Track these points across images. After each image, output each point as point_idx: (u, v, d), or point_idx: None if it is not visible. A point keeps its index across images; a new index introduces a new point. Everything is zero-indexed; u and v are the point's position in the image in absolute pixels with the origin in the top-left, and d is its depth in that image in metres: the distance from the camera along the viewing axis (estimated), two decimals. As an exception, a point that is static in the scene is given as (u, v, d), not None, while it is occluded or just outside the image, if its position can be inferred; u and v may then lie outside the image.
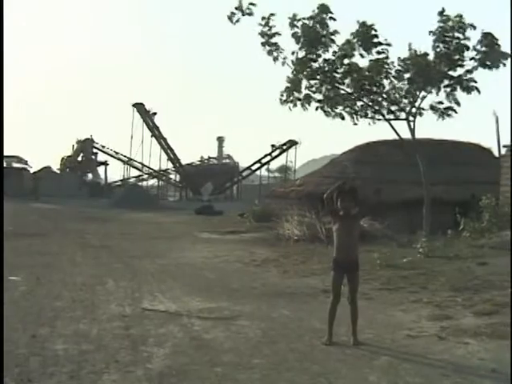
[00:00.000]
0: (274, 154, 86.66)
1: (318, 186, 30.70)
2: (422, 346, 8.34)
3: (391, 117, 23.85)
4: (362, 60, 23.00)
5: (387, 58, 22.90)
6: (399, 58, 22.91)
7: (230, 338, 8.67)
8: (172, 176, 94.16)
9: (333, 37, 22.51)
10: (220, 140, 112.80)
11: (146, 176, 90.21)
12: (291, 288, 13.29)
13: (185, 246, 22.45)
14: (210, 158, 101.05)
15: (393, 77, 23.17)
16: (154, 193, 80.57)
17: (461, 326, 9.31)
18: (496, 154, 40.03)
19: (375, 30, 22.59)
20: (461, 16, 21.99)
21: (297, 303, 11.55)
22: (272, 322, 9.74)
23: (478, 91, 22.69)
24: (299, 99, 23.07)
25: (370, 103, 23.79)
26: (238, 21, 22.08)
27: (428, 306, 10.97)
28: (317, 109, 23.31)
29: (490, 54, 21.88)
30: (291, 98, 23.14)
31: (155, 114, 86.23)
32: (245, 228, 29.23)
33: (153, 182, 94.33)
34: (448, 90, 22.87)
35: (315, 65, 22.91)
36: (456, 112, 23.16)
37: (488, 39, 21.87)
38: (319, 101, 23.27)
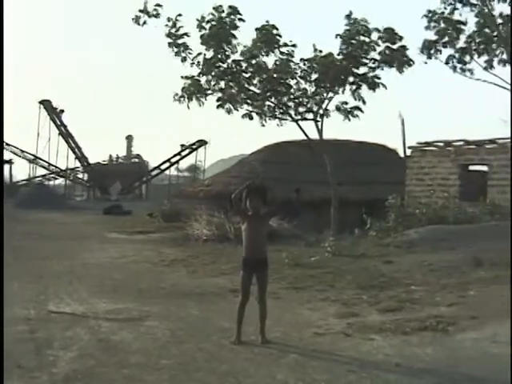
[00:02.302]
0: (183, 154, 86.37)
1: (227, 186, 30.81)
2: (329, 343, 8.46)
3: (299, 118, 24.18)
4: (269, 61, 23.32)
5: (292, 57, 23.21)
6: (302, 59, 23.26)
7: (138, 339, 8.58)
8: (80, 175, 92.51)
9: (239, 39, 22.77)
10: (129, 139, 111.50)
11: (52, 175, 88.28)
12: (200, 288, 13.25)
13: (92, 246, 22.10)
14: (118, 157, 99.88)
15: (299, 77, 23.50)
16: (61, 192, 78.82)
17: (366, 323, 9.50)
18: (401, 154, 41.18)
19: (277, 29, 22.89)
20: (366, 20, 22.53)
21: (205, 303, 11.53)
22: (180, 322, 9.69)
23: (385, 87, 23.28)
24: (194, 93, 23.10)
25: (278, 104, 24.05)
26: (145, 23, 21.97)
27: (335, 304, 11.14)
28: (218, 107, 23.43)
29: (392, 54, 22.51)
30: (186, 94, 23.18)
31: (62, 111, 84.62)
32: (153, 228, 29.03)
33: (60, 181, 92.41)
34: (353, 87, 23.38)
35: (223, 65, 23.01)
36: (362, 111, 23.68)
37: (389, 34, 22.44)
38: (220, 99, 23.39)
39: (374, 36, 22.64)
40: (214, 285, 13.64)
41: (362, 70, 23.31)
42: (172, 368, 7.23)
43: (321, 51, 23.10)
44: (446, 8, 16.86)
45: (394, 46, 22.62)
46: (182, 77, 23.32)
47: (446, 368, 7.26)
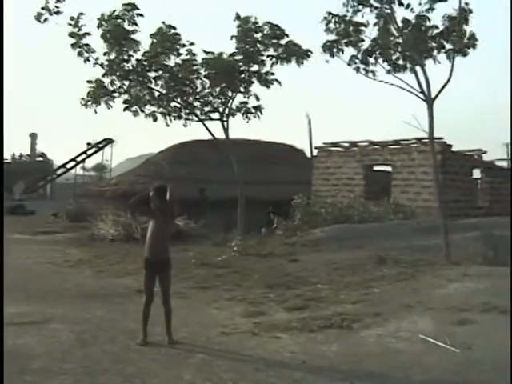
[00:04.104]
0: (89, 152, 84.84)
1: (134, 185, 30.56)
2: (236, 342, 8.49)
3: (205, 117, 24.21)
4: (173, 61, 23.31)
5: (194, 55, 23.25)
6: (204, 58, 23.32)
7: (41, 343, 8.34)
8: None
9: (139, 37, 22.67)
10: (33, 137, 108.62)
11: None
12: (105, 289, 13.05)
13: (-7, 247, 21.44)
14: (22, 155, 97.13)
15: (204, 77, 23.54)
16: (-40, 192, 76.14)
17: (273, 322, 9.59)
18: (308, 154, 41.83)
19: (174, 28, 22.87)
20: (255, 18, 22.88)
21: (111, 304, 11.35)
22: (85, 325, 9.50)
23: (279, 83, 23.61)
24: (100, 96, 22.88)
25: (184, 104, 24.00)
26: (46, 20, 21.55)
27: (242, 303, 11.19)
28: (125, 110, 23.25)
29: (285, 48, 22.91)
30: (92, 99, 22.94)
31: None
32: (58, 228, 28.39)
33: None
34: (245, 85, 23.64)
35: (128, 65, 22.81)
36: (261, 112, 23.93)
37: (274, 30, 22.79)
38: (127, 101, 23.23)
39: (267, 31, 22.99)
40: (120, 285, 13.46)
41: (256, 67, 23.60)
42: (76, 372, 7.08)
43: (213, 53, 23.23)
44: (348, 11, 17.14)
45: (282, 42, 23.03)
46: (87, 81, 23.02)
47: (350, 364, 7.41)
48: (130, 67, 22.89)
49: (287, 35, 23.00)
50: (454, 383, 6.71)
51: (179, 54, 23.16)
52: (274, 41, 22.94)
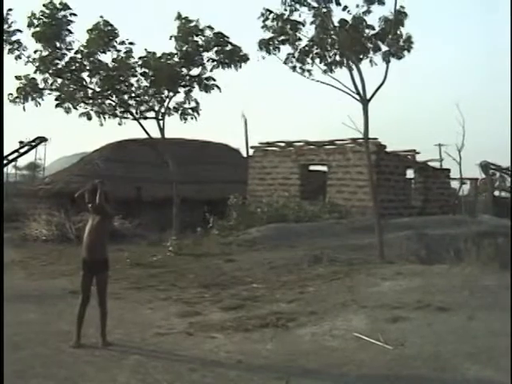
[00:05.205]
0: (21, 151, 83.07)
1: (68, 184, 30.02)
2: (171, 342, 8.44)
3: (140, 116, 23.98)
4: (108, 59, 23.03)
5: (131, 53, 23.02)
6: (140, 57, 23.12)
7: (-30, 346, 8.16)
8: None
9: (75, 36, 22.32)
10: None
11: None
12: (38, 290, 12.80)
13: None
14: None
15: (140, 74, 23.31)
16: None
17: (209, 322, 9.57)
18: (244, 154, 41.87)
19: (112, 26, 22.59)
20: (197, 20, 22.81)
21: (44, 306, 11.14)
22: (17, 327, 9.25)
23: (219, 89, 23.57)
24: (30, 93, 22.43)
25: (118, 102, 23.73)
26: None
27: (177, 304, 11.15)
28: (56, 106, 22.84)
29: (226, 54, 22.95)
30: (22, 95, 22.46)
31: None
32: (-11, 229, 27.80)
33: None
34: (186, 89, 23.56)
35: (61, 63, 22.42)
36: (198, 113, 23.85)
37: (218, 38, 22.80)
38: (59, 98, 22.82)
39: (208, 34, 22.99)
40: (54, 287, 13.23)
41: (197, 71, 23.57)
42: (7, 377, 6.88)
43: (154, 54, 23.06)
44: (286, 9, 17.23)
45: (226, 48, 23.05)
46: (16, 77, 22.49)
47: (285, 362, 7.43)
48: (64, 64, 22.48)
49: (231, 43, 23.02)
50: (387, 379, 6.79)
51: (118, 51, 22.85)
52: (217, 48, 22.91)
